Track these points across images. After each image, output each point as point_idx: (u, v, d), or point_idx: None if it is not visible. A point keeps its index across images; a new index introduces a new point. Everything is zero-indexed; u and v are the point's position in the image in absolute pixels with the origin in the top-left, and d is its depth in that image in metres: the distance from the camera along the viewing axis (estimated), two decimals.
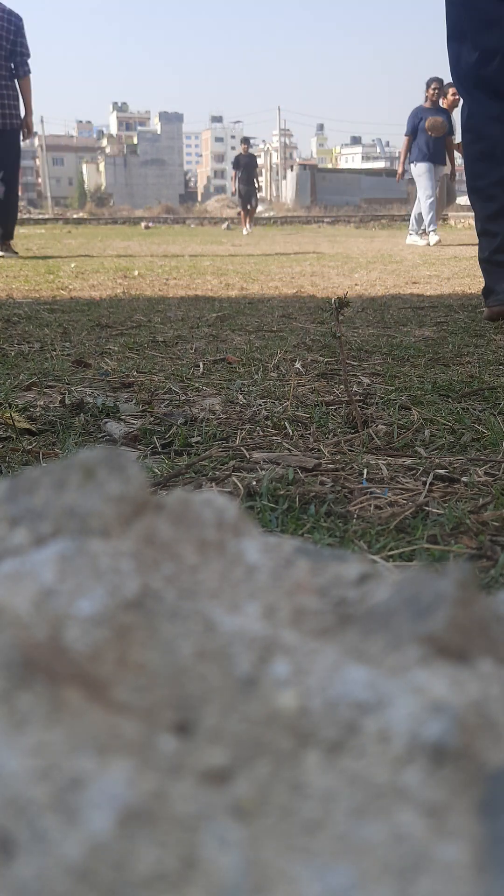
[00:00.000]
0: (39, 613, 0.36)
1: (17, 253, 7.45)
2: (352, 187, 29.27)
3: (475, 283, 5.00)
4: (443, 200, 11.09)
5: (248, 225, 15.75)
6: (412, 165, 10.24)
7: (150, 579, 0.39)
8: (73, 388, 2.11)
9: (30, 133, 7.09)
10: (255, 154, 16.61)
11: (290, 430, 1.67)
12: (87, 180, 64.91)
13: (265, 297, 4.30)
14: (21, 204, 20.31)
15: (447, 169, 10.49)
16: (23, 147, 7.66)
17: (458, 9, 2.98)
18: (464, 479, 1.35)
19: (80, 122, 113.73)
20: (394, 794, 0.29)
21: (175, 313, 3.62)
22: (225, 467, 1.42)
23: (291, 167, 33.08)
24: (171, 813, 0.27)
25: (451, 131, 10.01)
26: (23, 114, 6.92)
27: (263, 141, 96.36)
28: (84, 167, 69.79)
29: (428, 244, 10.00)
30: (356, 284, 4.93)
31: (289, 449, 1.54)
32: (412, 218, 10.78)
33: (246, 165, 15.75)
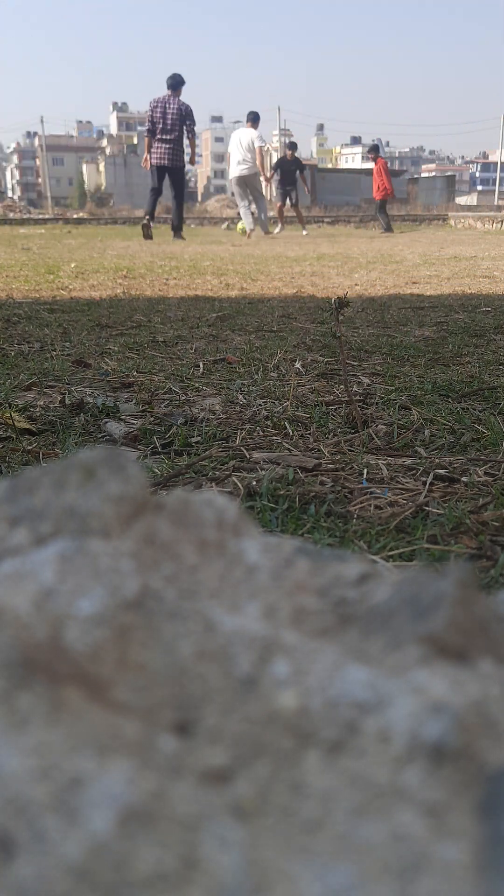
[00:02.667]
0: (39, 613, 0.36)
1: (184, 238, 11.40)
2: (352, 187, 29.23)
3: (475, 283, 5.00)
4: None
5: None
6: None
7: (150, 579, 0.39)
8: (73, 388, 2.11)
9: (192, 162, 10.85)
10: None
11: (290, 430, 1.67)
12: (87, 180, 64.90)
13: (265, 297, 4.30)
14: (21, 204, 20.42)
15: None
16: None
17: None
18: (464, 479, 1.35)
19: (80, 122, 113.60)
20: (394, 794, 0.29)
21: (175, 313, 3.62)
22: (225, 467, 1.42)
23: None
24: (171, 813, 0.27)
25: None
26: (187, 157, 10.70)
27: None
28: (84, 167, 69.77)
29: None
30: (356, 284, 4.93)
31: (289, 449, 1.54)
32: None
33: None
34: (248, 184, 12.43)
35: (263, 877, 0.26)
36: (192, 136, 10.67)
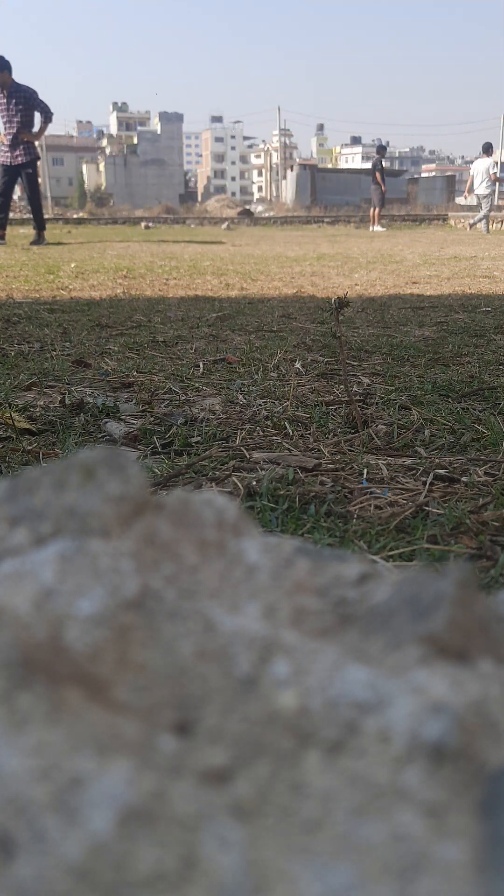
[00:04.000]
0: (39, 613, 0.36)
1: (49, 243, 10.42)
2: (352, 187, 29.21)
3: (475, 283, 5.00)
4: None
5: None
6: None
7: (150, 579, 0.39)
8: (73, 388, 2.11)
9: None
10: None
11: (290, 430, 1.67)
12: (87, 180, 64.88)
13: (265, 297, 4.30)
14: (21, 204, 20.47)
15: None
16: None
17: None
18: (464, 479, 1.35)
19: (80, 122, 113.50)
20: (394, 794, 0.29)
21: (175, 313, 3.62)
22: (225, 467, 1.42)
23: (291, 167, 33.00)
24: (171, 813, 0.27)
25: None
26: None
27: (263, 141, 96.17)
28: (84, 167, 69.74)
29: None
30: (356, 284, 4.93)
31: (289, 449, 1.54)
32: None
33: None
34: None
35: (263, 877, 0.26)
36: None
